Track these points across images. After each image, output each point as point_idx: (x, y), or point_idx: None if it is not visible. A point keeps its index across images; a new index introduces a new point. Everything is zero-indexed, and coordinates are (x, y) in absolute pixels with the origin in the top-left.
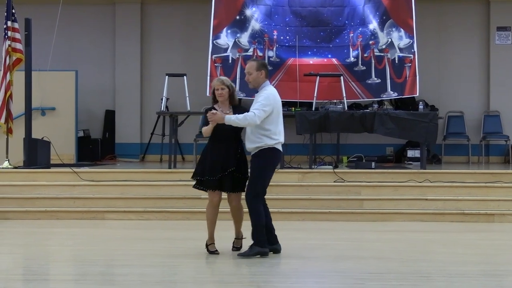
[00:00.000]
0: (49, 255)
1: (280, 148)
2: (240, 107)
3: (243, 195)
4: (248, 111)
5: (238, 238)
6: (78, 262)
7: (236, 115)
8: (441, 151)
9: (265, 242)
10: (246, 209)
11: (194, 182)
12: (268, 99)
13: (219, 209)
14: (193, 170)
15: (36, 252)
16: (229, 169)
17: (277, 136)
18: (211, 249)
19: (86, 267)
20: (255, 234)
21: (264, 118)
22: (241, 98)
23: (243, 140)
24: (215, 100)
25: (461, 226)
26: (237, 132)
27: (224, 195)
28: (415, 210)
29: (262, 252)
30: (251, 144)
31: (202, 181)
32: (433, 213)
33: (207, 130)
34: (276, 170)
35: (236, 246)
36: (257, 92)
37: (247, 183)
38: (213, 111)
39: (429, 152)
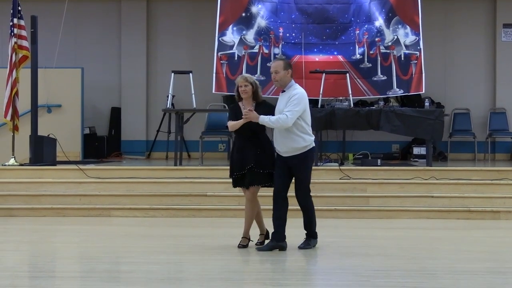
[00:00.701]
0: (55, 252)
1: (314, 145)
2: (264, 104)
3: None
4: (272, 106)
5: (262, 233)
6: (84, 259)
7: (269, 116)
8: (447, 148)
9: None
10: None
11: (197, 181)
12: (300, 99)
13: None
14: (198, 167)
15: (42, 249)
16: (247, 166)
17: (311, 136)
18: (241, 243)
19: (92, 264)
20: (313, 228)
21: (300, 117)
22: None
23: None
24: (239, 97)
25: (467, 223)
26: (255, 131)
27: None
28: (421, 208)
29: (316, 242)
30: (293, 144)
31: (233, 179)
32: (439, 211)
33: (235, 125)
34: None
35: (259, 241)
36: (283, 91)
37: (298, 184)
38: (251, 107)
39: (435, 149)
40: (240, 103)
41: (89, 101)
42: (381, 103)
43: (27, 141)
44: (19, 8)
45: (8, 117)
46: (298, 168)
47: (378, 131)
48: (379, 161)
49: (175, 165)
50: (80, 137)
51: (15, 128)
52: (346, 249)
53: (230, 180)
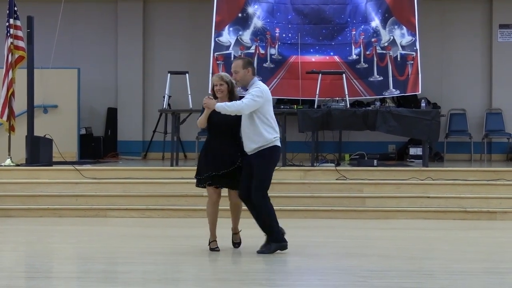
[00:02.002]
0: (52, 253)
1: (279, 143)
2: None
3: None
4: None
5: (236, 232)
6: (81, 260)
7: (226, 103)
8: (443, 148)
9: (281, 235)
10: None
11: (193, 181)
12: (261, 91)
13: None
14: (194, 168)
15: (39, 250)
16: (226, 166)
17: (275, 132)
18: (212, 246)
19: (89, 265)
20: (269, 231)
21: (260, 113)
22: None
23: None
24: (215, 97)
25: (463, 223)
26: (232, 128)
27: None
28: (417, 208)
29: (281, 246)
30: (252, 143)
31: (201, 178)
32: (435, 211)
33: (201, 120)
34: (278, 168)
35: (236, 242)
36: (246, 90)
37: (254, 183)
38: (209, 95)
39: (431, 149)
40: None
41: (85, 102)
42: (378, 103)
43: (23, 142)
44: (15, 8)
45: (4, 118)
46: (257, 166)
47: (374, 132)
48: (375, 161)
49: (172, 165)
50: (76, 138)
51: (11, 129)
52: (343, 250)
53: None
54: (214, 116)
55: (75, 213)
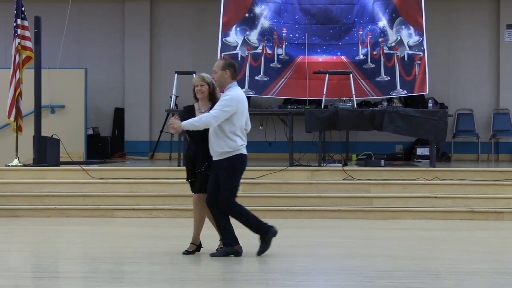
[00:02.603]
0: (59, 253)
1: (245, 151)
2: None
3: None
4: None
5: (195, 243)
6: (87, 260)
7: (193, 118)
8: (450, 149)
9: (236, 240)
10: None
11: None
12: (231, 100)
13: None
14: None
15: (46, 250)
16: (198, 170)
17: (241, 140)
18: (188, 249)
19: (95, 265)
20: (229, 239)
21: (229, 120)
22: (250, 96)
23: None
24: (196, 98)
25: (470, 224)
26: (203, 135)
27: None
28: (424, 208)
29: (234, 252)
30: (217, 148)
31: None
32: (442, 211)
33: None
34: (285, 168)
35: (189, 250)
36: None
37: (220, 190)
38: (175, 116)
39: (438, 150)
40: (195, 104)
41: (92, 102)
42: (385, 103)
43: (30, 142)
44: (23, 8)
45: (12, 118)
46: (221, 173)
47: (381, 132)
48: (382, 161)
49: (179, 165)
50: (83, 138)
51: (19, 129)
52: (350, 250)
53: None
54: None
55: (82, 213)
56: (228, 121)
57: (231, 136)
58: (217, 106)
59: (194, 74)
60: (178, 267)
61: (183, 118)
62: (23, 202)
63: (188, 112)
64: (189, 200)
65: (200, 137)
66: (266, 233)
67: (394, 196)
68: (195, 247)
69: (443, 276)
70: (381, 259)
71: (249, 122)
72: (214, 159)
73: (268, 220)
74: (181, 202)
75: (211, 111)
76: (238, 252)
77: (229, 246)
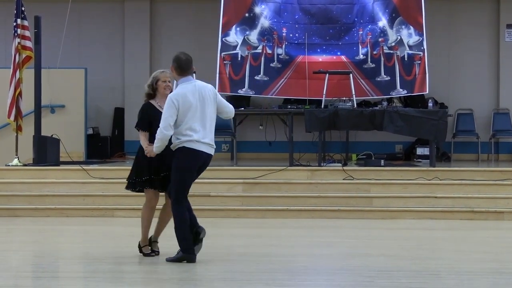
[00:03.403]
0: (59, 252)
1: (196, 146)
2: None
3: None
4: None
5: (156, 241)
6: (88, 259)
7: (155, 143)
8: (450, 148)
9: (191, 247)
10: None
11: (200, 181)
12: (168, 102)
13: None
14: None
15: (46, 249)
16: (165, 169)
17: (184, 136)
18: (145, 251)
19: (96, 264)
20: (179, 240)
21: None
22: (250, 96)
23: None
24: (150, 95)
25: (470, 224)
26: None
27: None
28: (424, 208)
29: (187, 258)
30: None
31: (137, 181)
32: (442, 211)
33: (148, 148)
34: (285, 167)
35: (156, 250)
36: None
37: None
38: (148, 147)
39: (438, 149)
40: (153, 101)
41: (92, 102)
42: (385, 103)
43: (30, 142)
44: (23, 8)
45: (12, 118)
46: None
47: (381, 132)
48: (382, 161)
49: None
50: (83, 138)
51: (19, 129)
52: (350, 250)
53: (234, 180)
54: (153, 118)
55: (82, 213)
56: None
57: (176, 134)
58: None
59: (193, 74)
60: (178, 267)
61: (145, 117)
62: (23, 202)
63: (150, 110)
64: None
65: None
66: (184, 251)
67: (394, 196)
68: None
69: (443, 276)
70: (381, 259)
71: (227, 108)
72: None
73: (267, 221)
74: None
75: (160, 125)
76: (192, 259)
77: (183, 252)
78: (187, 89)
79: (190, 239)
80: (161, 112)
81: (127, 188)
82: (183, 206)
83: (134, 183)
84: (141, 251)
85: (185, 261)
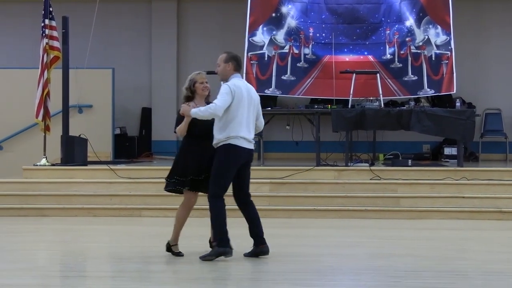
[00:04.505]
0: (86, 252)
1: (241, 144)
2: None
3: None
4: None
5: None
6: (115, 259)
7: (200, 107)
8: (478, 148)
9: (227, 242)
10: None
11: (166, 183)
12: (228, 88)
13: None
14: None
15: (73, 249)
16: (205, 171)
17: (231, 132)
18: (174, 250)
19: (122, 264)
20: (216, 235)
21: (226, 109)
22: (277, 96)
23: None
24: (189, 98)
25: (498, 224)
26: (210, 131)
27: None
28: (451, 208)
29: (224, 252)
30: (216, 135)
31: (177, 182)
32: (470, 211)
33: (181, 129)
34: (312, 167)
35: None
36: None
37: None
38: (186, 103)
39: (466, 149)
40: (191, 103)
41: (119, 102)
42: (412, 103)
43: (58, 142)
44: (51, 9)
45: (40, 118)
46: (214, 161)
47: (408, 131)
48: (409, 161)
49: None
50: (111, 137)
51: (47, 129)
52: (376, 250)
53: (260, 180)
54: (193, 119)
55: (110, 213)
56: (226, 110)
57: (227, 124)
58: (218, 95)
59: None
60: (206, 267)
61: (181, 119)
62: (51, 202)
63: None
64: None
65: (206, 131)
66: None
67: (422, 196)
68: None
69: (471, 276)
70: (408, 259)
71: (261, 119)
72: (215, 147)
73: (294, 221)
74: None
75: (214, 101)
76: (228, 252)
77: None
78: (241, 84)
79: (227, 233)
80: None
81: (166, 187)
82: (221, 200)
83: (174, 183)
84: (169, 250)
85: (222, 256)
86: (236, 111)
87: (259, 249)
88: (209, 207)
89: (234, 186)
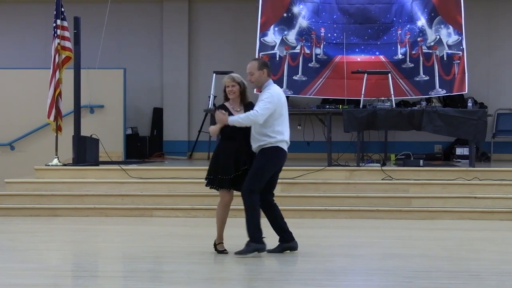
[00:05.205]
0: (98, 252)
1: (284, 147)
2: (251, 105)
3: None
4: None
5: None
6: (127, 259)
7: (239, 115)
8: (490, 148)
9: (261, 237)
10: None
11: (207, 180)
12: (272, 97)
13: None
14: None
15: (85, 249)
16: (242, 168)
17: (278, 135)
18: (219, 249)
19: (134, 264)
20: (250, 231)
21: (270, 117)
22: (288, 96)
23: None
24: (226, 98)
25: (510, 224)
26: (246, 130)
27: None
28: (463, 208)
29: (259, 248)
30: (255, 143)
31: (215, 180)
32: (482, 211)
33: (214, 129)
34: (323, 167)
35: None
36: (261, 91)
37: (247, 176)
38: (221, 111)
39: (478, 149)
40: (227, 103)
41: (131, 102)
42: (423, 103)
43: (70, 142)
44: (62, 9)
45: (52, 118)
46: (255, 161)
47: (420, 132)
48: (421, 161)
49: None
50: (122, 138)
51: (58, 129)
52: (388, 250)
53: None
54: None
55: (121, 213)
56: (270, 116)
57: (270, 131)
58: (260, 104)
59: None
60: (217, 267)
61: (214, 122)
62: (63, 202)
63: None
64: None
65: (239, 131)
66: (254, 241)
67: (433, 196)
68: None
69: (484, 277)
70: (420, 260)
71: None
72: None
73: (306, 221)
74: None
75: (255, 108)
76: (262, 249)
77: (254, 242)
78: (279, 89)
79: (260, 229)
80: (231, 114)
81: (206, 185)
82: (256, 196)
83: (213, 180)
84: (216, 248)
85: (257, 252)
86: (281, 116)
87: (288, 244)
88: (244, 202)
89: (264, 186)
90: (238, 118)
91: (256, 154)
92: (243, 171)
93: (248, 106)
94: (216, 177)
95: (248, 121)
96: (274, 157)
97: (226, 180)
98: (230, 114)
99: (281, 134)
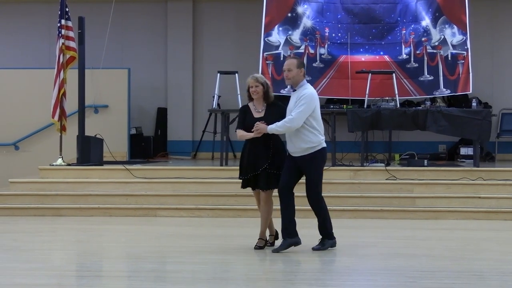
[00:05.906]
0: (102, 252)
1: (325, 146)
2: (275, 104)
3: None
4: (282, 107)
5: (263, 238)
6: (131, 259)
7: (276, 123)
8: (494, 148)
9: (332, 234)
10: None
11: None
12: (311, 99)
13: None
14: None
15: (89, 249)
16: (261, 167)
17: (322, 135)
18: (257, 244)
19: (138, 264)
20: (328, 229)
21: (310, 117)
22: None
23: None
24: (250, 98)
25: None
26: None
27: None
28: (468, 208)
29: (295, 242)
30: (302, 144)
31: (243, 180)
32: (486, 211)
33: (244, 137)
34: (327, 167)
35: (260, 246)
36: (294, 90)
37: (307, 185)
38: (260, 122)
39: (482, 149)
40: (250, 104)
41: (135, 102)
42: (428, 103)
43: (74, 142)
44: (67, 9)
45: (56, 118)
46: (307, 168)
47: (424, 132)
48: (425, 161)
49: (221, 165)
50: (126, 137)
51: (63, 129)
52: (392, 250)
53: None
54: (248, 119)
55: (125, 213)
56: (309, 117)
57: (313, 131)
58: (297, 107)
59: (236, 74)
60: (221, 267)
61: (241, 120)
62: (67, 201)
63: (244, 112)
64: (232, 199)
65: (262, 136)
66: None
67: (437, 196)
68: (264, 242)
69: (487, 277)
70: (424, 259)
71: None
72: (296, 155)
73: (310, 221)
74: (224, 201)
75: (292, 113)
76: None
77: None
78: (314, 91)
79: (331, 225)
80: (252, 116)
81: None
82: (323, 201)
83: (242, 181)
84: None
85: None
86: (318, 116)
87: (293, 240)
88: (317, 207)
89: (291, 181)
90: (276, 127)
91: (304, 159)
92: (262, 170)
93: (271, 105)
94: (242, 178)
95: (284, 128)
96: (323, 159)
97: (248, 180)
98: (251, 115)
99: (322, 134)
